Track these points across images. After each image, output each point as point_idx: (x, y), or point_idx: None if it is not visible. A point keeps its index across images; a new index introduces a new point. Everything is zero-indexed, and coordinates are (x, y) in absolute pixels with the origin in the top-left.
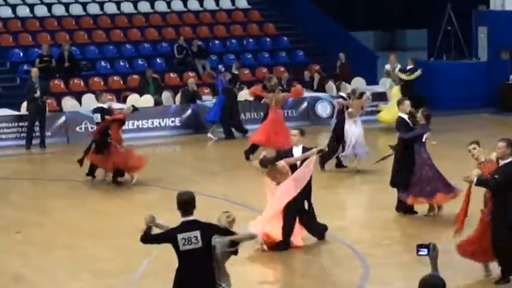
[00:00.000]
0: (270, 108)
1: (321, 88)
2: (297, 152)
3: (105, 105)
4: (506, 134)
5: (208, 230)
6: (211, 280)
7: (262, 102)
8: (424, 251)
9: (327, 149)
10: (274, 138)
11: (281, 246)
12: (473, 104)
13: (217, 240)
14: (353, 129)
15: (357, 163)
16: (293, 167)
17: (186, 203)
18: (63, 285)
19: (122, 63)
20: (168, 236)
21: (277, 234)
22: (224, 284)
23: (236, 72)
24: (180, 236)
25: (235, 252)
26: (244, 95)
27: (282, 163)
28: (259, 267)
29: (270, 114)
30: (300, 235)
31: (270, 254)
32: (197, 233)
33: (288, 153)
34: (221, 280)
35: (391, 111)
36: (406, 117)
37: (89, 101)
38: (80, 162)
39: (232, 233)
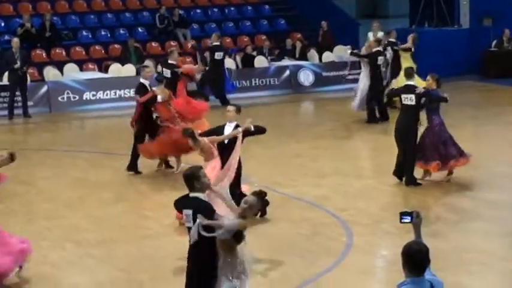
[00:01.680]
0: None
1: (303, 56)
2: (228, 129)
3: (146, 82)
4: (488, 101)
5: (198, 210)
6: (204, 266)
7: None
8: (407, 219)
9: (252, 128)
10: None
11: None
12: (456, 71)
13: (198, 222)
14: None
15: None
16: (221, 145)
17: (187, 179)
18: (46, 254)
19: (103, 33)
20: (177, 208)
21: None
22: (228, 275)
23: (217, 43)
24: (183, 212)
25: (238, 240)
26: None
27: (204, 140)
28: None
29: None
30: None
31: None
32: (189, 212)
33: (221, 129)
34: (223, 269)
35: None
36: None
37: (71, 71)
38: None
39: (211, 218)
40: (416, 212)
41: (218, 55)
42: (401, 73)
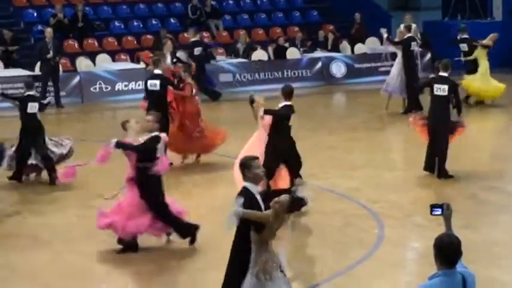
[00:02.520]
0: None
1: (335, 48)
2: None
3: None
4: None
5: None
6: (234, 255)
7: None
8: (438, 211)
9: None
10: None
11: None
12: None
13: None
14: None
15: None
16: None
17: (239, 166)
18: (80, 245)
19: (135, 23)
20: None
21: None
22: (253, 269)
23: (195, 39)
24: None
25: (258, 230)
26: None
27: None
28: None
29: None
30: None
31: None
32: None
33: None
34: (252, 262)
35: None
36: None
37: (103, 61)
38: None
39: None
40: (447, 204)
41: (197, 50)
42: (480, 69)
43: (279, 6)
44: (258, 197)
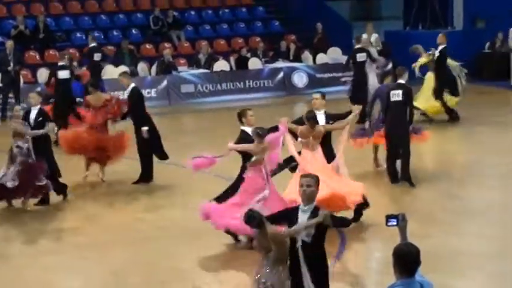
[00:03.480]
0: None
1: (297, 58)
2: (320, 117)
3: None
4: (483, 102)
5: None
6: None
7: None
8: (394, 222)
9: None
10: None
11: None
12: None
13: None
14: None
15: None
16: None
17: None
18: (40, 257)
19: (97, 34)
20: None
21: None
22: (264, 280)
23: (94, 44)
24: None
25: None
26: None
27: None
28: None
29: None
30: None
31: None
32: None
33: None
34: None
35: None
36: None
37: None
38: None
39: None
40: (402, 215)
41: (97, 56)
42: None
43: (240, 17)
44: (301, 214)
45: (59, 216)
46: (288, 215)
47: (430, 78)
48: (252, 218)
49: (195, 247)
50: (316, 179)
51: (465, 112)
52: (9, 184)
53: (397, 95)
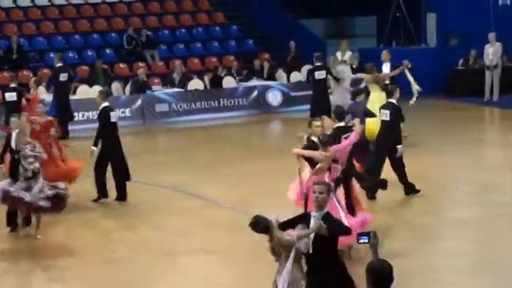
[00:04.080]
0: None
1: (271, 76)
2: None
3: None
4: (456, 120)
5: None
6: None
7: None
8: (365, 239)
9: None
10: None
11: None
12: (423, 90)
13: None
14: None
15: None
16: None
17: None
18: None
19: (71, 54)
20: None
21: None
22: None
23: (60, 64)
24: None
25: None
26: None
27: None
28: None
29: None
30: None
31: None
32: None
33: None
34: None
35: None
36: None
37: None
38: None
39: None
40: (374, 232)
41: (63, 76)
42: None
43: (214, 36)
44: (313, 221)
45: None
46: (300, 222)
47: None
48: (257, 224)
49: (170, 267)
50: (329, 187)
51: (439, 128)
52: (42, 203)
53: (385, 115)
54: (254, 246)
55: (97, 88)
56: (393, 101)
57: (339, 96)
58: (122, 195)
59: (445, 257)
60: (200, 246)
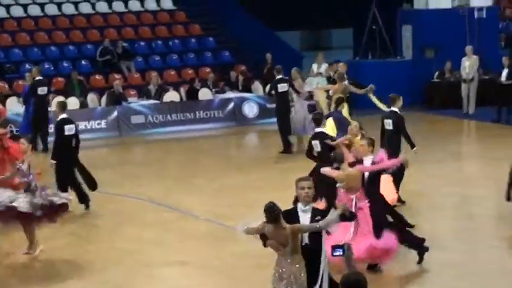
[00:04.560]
0: None
1: (246, 88)
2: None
3: None
4: (433, 132)
5: None
6: None
7: None
8: (339, 251)
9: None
10: None
11: None
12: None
13: None
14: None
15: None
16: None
17: None
18: None
19: (46, 66)
20: None
21: None
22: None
23: (39, 78)
24: None
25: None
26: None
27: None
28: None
29: None
30: None
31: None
32: None
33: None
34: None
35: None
36: None
37: (14, 104)
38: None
39: None
40: (348, 245)
41: (42, 90)
42: None
43: (190, 47)
44: (302, 215)
45: (8, 250)
46: (287, 217)
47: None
48: (271, 210)
49: (147, 279)
50: (312, 180)
51: (416, 141)
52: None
53: (388, 124)
54: (230, 257)
55: (73, 100)
56: (395, 109)
57: (300, 109)
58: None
59: (427, 268)
60: (176, 258)
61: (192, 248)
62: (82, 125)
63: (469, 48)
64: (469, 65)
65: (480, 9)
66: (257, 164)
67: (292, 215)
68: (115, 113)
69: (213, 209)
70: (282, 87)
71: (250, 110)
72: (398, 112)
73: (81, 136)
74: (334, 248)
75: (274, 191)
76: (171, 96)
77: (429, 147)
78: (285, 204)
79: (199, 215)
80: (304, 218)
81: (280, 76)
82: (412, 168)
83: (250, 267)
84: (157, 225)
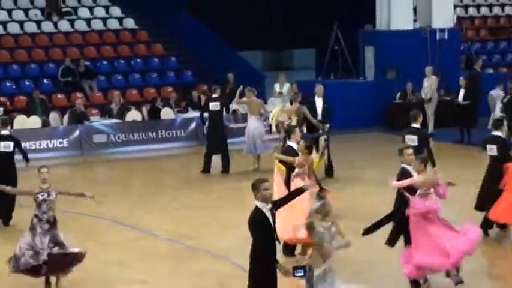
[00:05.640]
0: None
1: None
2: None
3: None
4: (394, 154)
5: None
6: None
7: None
8: (301, 272)
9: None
10: None
11: None
12: (361, 123)
13: None
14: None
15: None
16: None
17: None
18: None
19: (8, 84)
20: None
21: None
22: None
23: None
24: None
25: None
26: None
27: None
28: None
29: None
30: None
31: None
32: None
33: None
34: None
35: None
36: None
37: None
38: None
39: None
40: (309, 266)
41: None
42: None
43: (153, 67)
44: (268, 214)
45: None
46: (259, 220)
47: None
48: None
49: None
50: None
51: (376, 162)
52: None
53: (412, 141)
54: (191, 277)
55: (35, 118)
56: (417, 125)
57: (254, 125)
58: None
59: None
60: (137, 277)
61: (152, 268)
62: (44, 144)
63: (428, 69)
64: (427, 85)
65: (442, 30)
66: (219, 184)
67: (261, 217)
68: (77, 132)
69: (175, 228)
70: (213, 106)
71: None
72: (420, 128)
73: (43, 155)
74: (296, 268)
75: (235, 210)
76: (133, 115)
77: (390, 169)
78: (246, 223)
79: (160, 234)
80: (269, 216)
81: (214, 95)
82: (372, 191)
83: (211, 287)
84: (119, 245)
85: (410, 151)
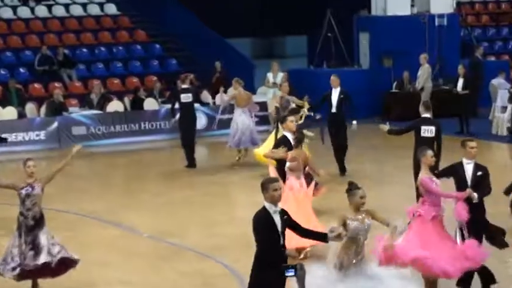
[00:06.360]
0: None
1: (195, 98)
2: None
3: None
4: (390, 144)
5: None
6: None
7: None
8: (291, 272)
9: None
10: None
11: None
12: (357, 113)
13: None
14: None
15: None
16: None
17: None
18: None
19: None
20: None
21: None
22: None
23: None
24: None
25: None
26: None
27: None
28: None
29: None
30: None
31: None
32: None
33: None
34: None
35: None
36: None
37: None
38: None
39: None
40: (300, 265)
41: None
42: None
43: (135, 55)
44: (276, 216)
45: None
46: (263, 220)
47: None
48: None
49: None
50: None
51: (374, 153)
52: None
53: (429, 131)
54: (174, 276)
55: (10, 109)
56: (430, 115)
57: (240, 117)
58: None
59: None
60: (118, 276)
61: (135, 267)
62: (20, 137)
63: (422, 57)
64: (419, 74)
65: (441, 16)
66: (204, 178)
67: (267, 217)
68: (55, 124)
69: (157, 225)
70: (185, 97)
71: (198, 121)
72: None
73: (18, 148)
74: (286, 268)
75: (221, 206)
76: (115, 106)
77: (386, 161)
78: (233, 221)
79: (143, 232)
80: (277, 219)
81: (184, 86)
82: (370, 184)
83: (195, 287)
84: (99, 242)
85: (474, 144)
